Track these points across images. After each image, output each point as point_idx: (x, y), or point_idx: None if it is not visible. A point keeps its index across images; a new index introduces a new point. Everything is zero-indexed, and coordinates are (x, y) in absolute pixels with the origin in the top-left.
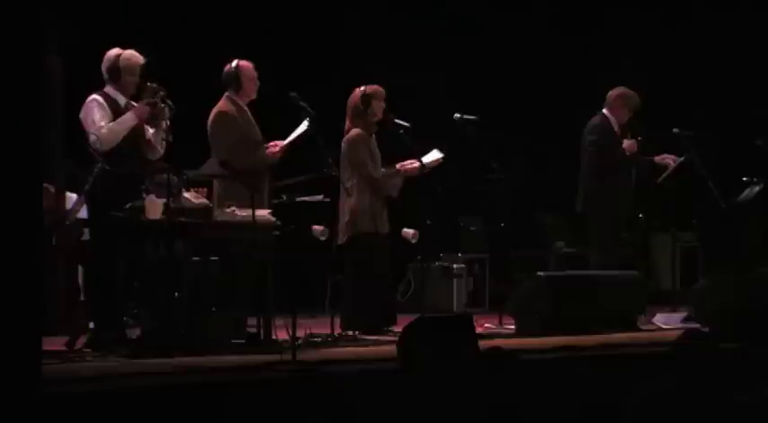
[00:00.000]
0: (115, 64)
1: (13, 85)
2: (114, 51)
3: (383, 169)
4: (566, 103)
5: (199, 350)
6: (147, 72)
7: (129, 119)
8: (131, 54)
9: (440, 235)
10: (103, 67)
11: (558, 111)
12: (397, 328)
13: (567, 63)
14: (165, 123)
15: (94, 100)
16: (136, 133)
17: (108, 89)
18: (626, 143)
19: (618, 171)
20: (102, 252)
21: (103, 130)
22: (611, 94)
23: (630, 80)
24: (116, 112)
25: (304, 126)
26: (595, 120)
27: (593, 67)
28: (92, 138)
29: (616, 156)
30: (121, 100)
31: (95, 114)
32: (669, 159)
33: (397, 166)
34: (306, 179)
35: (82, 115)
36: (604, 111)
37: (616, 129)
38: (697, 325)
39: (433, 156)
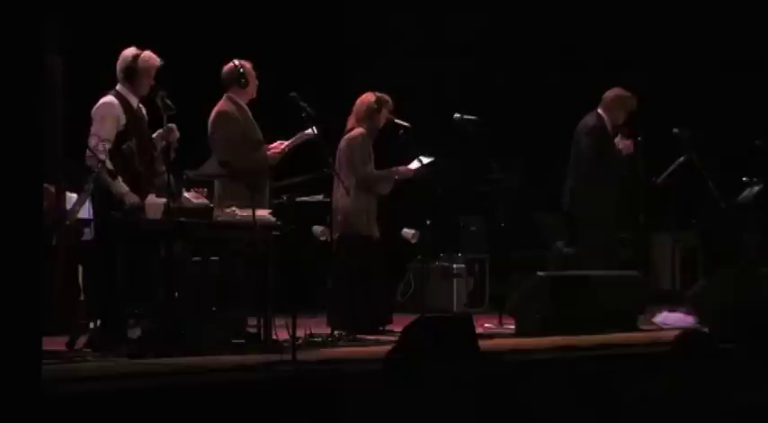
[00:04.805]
0: (132, 64)
1: (13, 84)
2: (131, 51)
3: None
4: (566, 103)
5: (199, 350)
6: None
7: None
8: (150, 56)
9: (440, 235)
10: (118, 67)
11: (558, 110)
12: (397, 328)
13: (568, 62)
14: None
15: (109, 105)
16: (145, 145)
17: (120, 88)
18: (622, 143)
19: (610, 172)
20: (103, 252)
21: (102, 155)
22: (609, 94)
23: (630, 80)
24: (128, 113)
25: (309, 131)
26: (590, 120)
27: (594, 66)
28: (92, 141)
29: (613, 157)
30: (133, 101)
31: (106, 125)
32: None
33: (393, 169)
34: (306, 179)
35: (94, 115)
36: (599, 110)
37: (609, 129)
38: (697, 325)
39: (424, 160)
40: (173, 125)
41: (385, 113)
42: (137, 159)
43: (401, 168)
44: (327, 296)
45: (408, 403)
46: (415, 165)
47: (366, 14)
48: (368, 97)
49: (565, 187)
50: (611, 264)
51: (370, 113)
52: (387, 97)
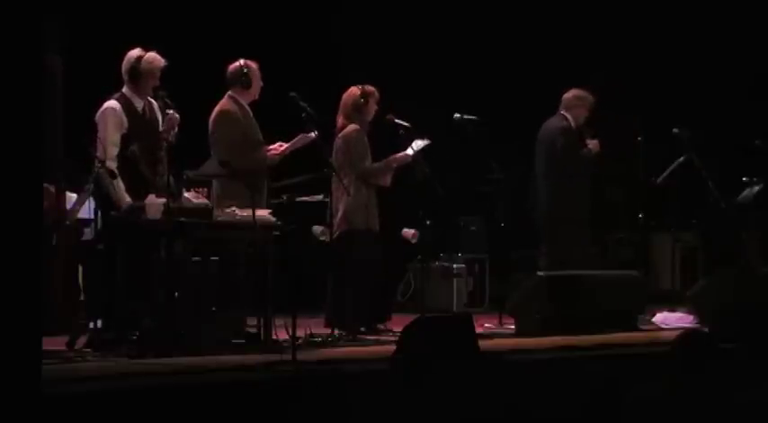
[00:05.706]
0: (136, 66)
1: (14, 85)
2: (135, 52)
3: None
4: None
5: (199, 350)
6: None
7: (119, 197)
8: (154, 57)
9: (440, 235)
10: (123, 68)
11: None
12: (397, 328)
13: (568, 62)
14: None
15: (110, 110)
16: (150, 147)
17: (126, 90)
18: (591, 143)
19: (583, 171)
20: (103, 252)
21: (109, 161)
22: (567, 95)
23: (630, 79)
24: (132, 116)
25: (310, 134)
26: (556, 122)
27: (594, 66)
28: (99, 147)
29: (583, 157)
30: (138, 103)
31: (111, 129)
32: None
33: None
34: (305, 179)
35: (98, 121)
36: (563, 112)
37: (574, 128)
38: (697, 325)
39: (419, 144)
40: (174, 113)
41: (373, 105)
42: (142, 163)
43: (398, 156)
44: (326, 295)
45: (408, 403)
46: (410, 150)
47: (365, 14)
48: (353, 92)
49: (537, 189)
50: (590, 263)
51: (358, 107)
52: (372, 88)
